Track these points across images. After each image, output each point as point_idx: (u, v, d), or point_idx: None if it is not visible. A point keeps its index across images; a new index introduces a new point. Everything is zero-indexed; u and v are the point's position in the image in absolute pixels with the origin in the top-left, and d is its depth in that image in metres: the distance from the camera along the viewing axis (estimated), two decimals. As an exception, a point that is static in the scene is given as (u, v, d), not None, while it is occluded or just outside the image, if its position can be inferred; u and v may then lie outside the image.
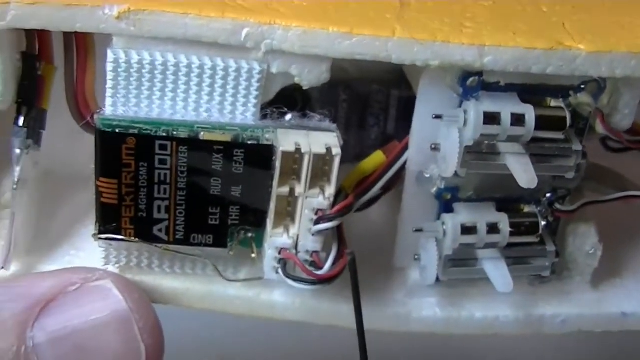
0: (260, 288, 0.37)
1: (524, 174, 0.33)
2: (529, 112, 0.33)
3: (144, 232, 0.34)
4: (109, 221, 0.34)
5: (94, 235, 0.35)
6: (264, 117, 0.34)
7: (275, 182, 0.33)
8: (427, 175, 0.36)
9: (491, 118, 0.33)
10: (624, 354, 0.56)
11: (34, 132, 0.36)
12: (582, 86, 0.34)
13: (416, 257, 0.37)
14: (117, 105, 0.33)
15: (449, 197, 0.36)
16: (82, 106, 0.35)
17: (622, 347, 0.54)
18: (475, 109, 0.33)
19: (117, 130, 0.33)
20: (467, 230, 0.35)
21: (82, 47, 0.35)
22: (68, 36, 0.34)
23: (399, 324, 0.37)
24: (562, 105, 0.34)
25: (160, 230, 0.35)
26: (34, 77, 0.35)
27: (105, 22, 0.32)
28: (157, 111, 0.33)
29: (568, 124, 0.34)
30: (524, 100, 0.34)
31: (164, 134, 0.33)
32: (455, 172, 0.34)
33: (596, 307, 0.38)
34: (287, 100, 0.35)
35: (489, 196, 0.36)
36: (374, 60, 0.32)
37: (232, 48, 0.32)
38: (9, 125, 0.35)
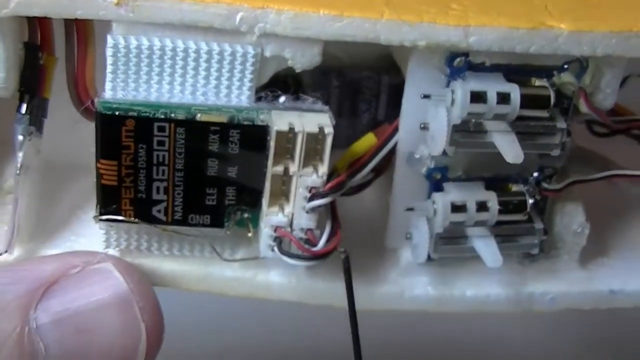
0: (257, 269, 0.38)
1: (511, 149, 0.34)
2: (514, 91, 0.34)
3: (144, 213, 0.35)
4: (110, 203, 0.35)
5: (95, 217, 0.36)
6: (258, 100, 0.35)
7: (270, 162, 0.34)
8: (417, 156, 0.37)
9: (478, 97, 0.34)
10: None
11: (37, 119, 0.37)
12: (565, 66, 0.35)
13: (408, 235, 0.38)
14: (116, 89, 0.34)
15: (438, 176, 0.37)
16: (82, 92, 0.36)
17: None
18: (462, 88, 0.34)
19: (117, 113, 0.34)
20: (457, 208, 0.36)
21: (82, 35, 0.36)
22: (69, 24, 0.36)
23: (392, 303, 0.38)
24: (546, 84, 0.35)
25: (159, 211, 0.36)
26: (36, 66, 0.36)
27: (105, 8, 0.33)
28: (155, 95, 0.35)
29: (552, 102, 0.35)
30: (509, 80, 0.35)
31: (162, 116, 0.34)
32: (444, 151, 0.35)
33: (584, 284, 0.39)
34: (280, 87, 0.36)
35: (477, 176, 0.37)
36: (363, 41, 0.34)
37: (227, 32, 0.34)
38: (11, 113, 0.37)
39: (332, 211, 0.35)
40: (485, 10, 0.34)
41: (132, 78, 0.34)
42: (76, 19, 0.34)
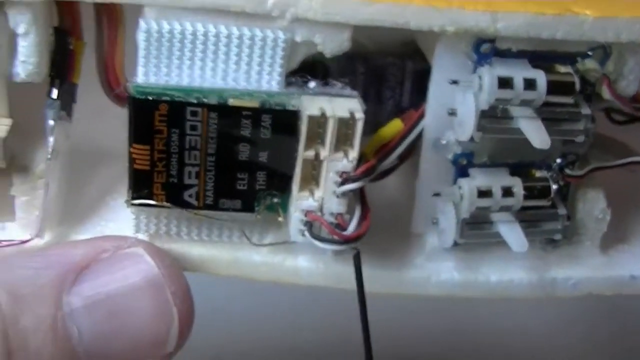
0: (285, 254, 0.38)
1: (538, 135, 0.35)
2: (540, 77, 0.35)
3: (175, 197, 0.36)
4: (142, 187, 0.36)
5: (127, 201, 0.36)
6: (287, 85, 0.35)
7: (301, 147, 0.35)
8: (444, 142, 0.37)
9: (505, 82, 0.35)
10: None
11: (66, 104, 0.37)
12: (589, 52, 0.36)
13: (434, 221, 0.38)
14: (148, 74, 0.35)
15: (464, 162, 0.37)
16: (112, 78, 0.37)
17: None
18: (489, 74, 0.35)
19: (150, 98, 0.34)
20: (483, 193, 0.37)
21: (113, 19, 0.36)
22: (99, 9, 0.36)
23: (418, 288, 0.39)
24: (571, 71, 0.36)
25: (190, 196, 0.36)
26: (66, 51, 0.37)
27: (139, -8, 0.34)
28: (186, 80, 0.35)
29: (577, 89, 0.36)
30: (534, 66, 0.36)
31: (195, 101, 0.34)
32: (472, 136, 0.36)
33: (606, 270, 0.40)
34: (308, 72, 0.36)
35: (502, 162, 0.38)
36: (392, 26, 0.34)
37: (259, 17, 0.34)
38: (39, 98, 0.37)
39: (361, 196, 0.36)
40: (513, -4, 0.35)
41: (164, 63, 0.35)
42: (106, 3, 0.35)
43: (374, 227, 0.36)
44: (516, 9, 0.34)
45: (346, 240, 0.35)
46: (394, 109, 0.40)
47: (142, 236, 0.38)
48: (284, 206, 0.37)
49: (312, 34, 0.35)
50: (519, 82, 0.35)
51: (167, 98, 0.34)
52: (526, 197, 0.37)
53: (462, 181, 0.37)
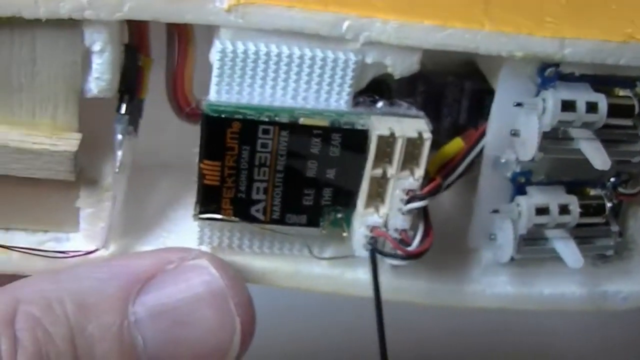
0: (344, 267, 0.39)
1: (599, 156, 0.36)
2: (602, 101, 0.36)
3: (242, 212, 0.37)
4: (210, 202, 0.36)
5: (195, 215, 0.37)
6: (355, 104, 0.36)
7: (369, 165, 0.36)
8: (503, 160, 0.38)
9: (568, 106, 0.36)
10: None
11: (134, 119, 0.38)
12: (647, 77, 0.37)
13: (492, 236, 0.39)
14: (221, 92, 0.35)
15: (522, 180, 0.38)
16: (180, 96, 0.38)
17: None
18: (553, 97, 0.36)
19: (223, 116, 0.35)
20: (541, 211, 0.38)
21: (184, 39, 0.37)
22: (171, 29, 0.37)
23: (474, 300, 0.40)
24: (630, 94, 0.37)
25: (257, 211, 0.37)
26: (135, 68, 0.37)
27: (216, 14, 0.34)
28: (257, 98, 0.36)
29: (636, 112, 0.37)
30: (596, 90, 0.37)
31: (267, 119, 0.35)
32: (533, 156, 0.37)
33: (655, 284, 0.41)
34: (373, 91, 0.37)
35: (558, 180, 0.39)
36: (462, 51, 0.35)
37: (331, 39, 0.35)
38: (109, 113, 0.38)
39: (424, 212, 0.37)
40: (578, 23, 0.36)
41: (236, 82, 0.35)
42: (178, 25, 0.36)
43: (431, 242, 0.37)
44: (583, 35, 0.35)
45: (409, 256, 0.36)
46: (451, 128, 0.41)
47: (205, 248, 0.38)
48: (348, 221, 0.38)
49: (383, 56, 0.35)
50: (581, 105, 0.36)
51: (240, 116, 0.35)
52: (582, 215, 0.38)
53: (521, 199, 0.38)
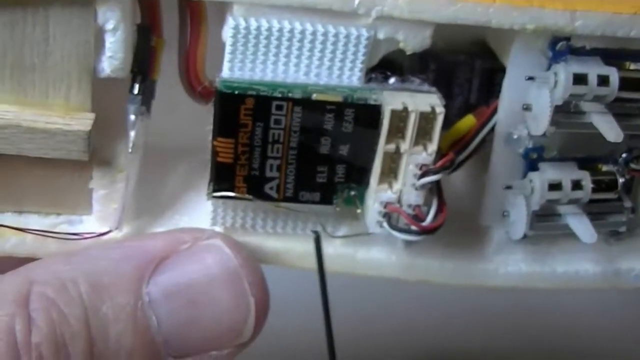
0: (357, 246, 0.39)
1: (611, 130, 0.36)
2: (613, 74, 0.36)
3: (256, 190, 0.37)
4: (224, 180, 0.36)
5: (208, 193, 0.37)
6: (367, 81, 0.36)
7: (382, 140, 0.36)
8: (515, 136, 0.38)
9: (579, 79, 0.36)
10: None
11: (147, 100, 0.38)
12: (658, 50, 0.37)
13: (505, 213, 0.39)
14: (233, 69, 0.36)
15: (535, 156, 0.38)
16: (192, 75, 0.38)
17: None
18: (565, 71, 0.36)
19: (237, 92, 0.35)
20: (553, 186, 0.38)
21: (196, 18, 0.37)
22: (183, 7, 0.37)
23: (487, 279, 0.40)
24: (641, 67, 0.37)
25: (271, 188, 0.37)
26: (148, 48, 0.37)
27: (228, -11, 0.35)
28: (270, 74, 0.36)
29: (647, 85, 0.37)
30: (606, 64, 0.37)
31: (280, 95, 0.35)
32: (544, 131, 0.37)
33: (667, 262, 0.41)
34: (385, 68, 0.37)
35: (570, 156, 0.39)
36: (474, 25, 0.35)
37: (344, 15, 0.35)
38: (121, 94, 0.38)
39: (437, 189, 0.37)
40: (589, -4, 0.36)
41: (249, 58, 0.35)
42: (191, 1, 0.36)
43: (443, 219, 0.37)
44: (594, 7, 0.35)
45: (424, 231, 0.36)
46: (462, 106, 0.41)
47: (218, 229, 0.38)
48: (361, 198, 0.38)
49: (395, 31, 0.36)
50: (593, 79, 0.36)
51: (254, 92, 0.35)
52: (594, 190, 0.38)
53: (534, 175, 0.38)
